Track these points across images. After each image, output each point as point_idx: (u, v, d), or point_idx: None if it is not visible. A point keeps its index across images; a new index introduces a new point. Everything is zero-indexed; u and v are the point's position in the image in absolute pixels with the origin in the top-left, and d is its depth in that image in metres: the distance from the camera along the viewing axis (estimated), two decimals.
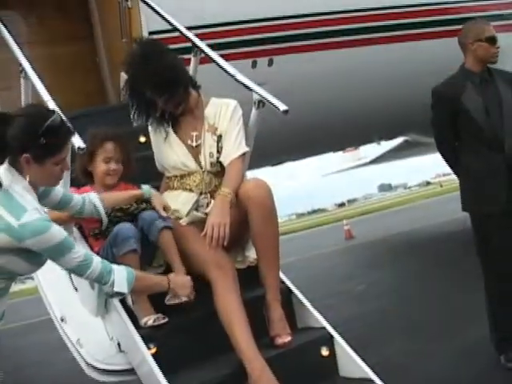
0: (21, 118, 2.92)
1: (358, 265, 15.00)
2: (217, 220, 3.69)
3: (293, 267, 14.98)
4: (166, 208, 3.89)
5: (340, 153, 20.52)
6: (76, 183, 4.03)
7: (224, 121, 4.09)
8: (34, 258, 2.96)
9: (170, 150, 4.13)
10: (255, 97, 4.22)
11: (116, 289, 3.14)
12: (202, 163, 4.07)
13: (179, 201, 4.04)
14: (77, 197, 3.61)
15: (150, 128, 4.27)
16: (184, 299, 3.61)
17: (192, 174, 4.07)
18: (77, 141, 3.45)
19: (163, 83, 3.94)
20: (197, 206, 4.02)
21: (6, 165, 2.90)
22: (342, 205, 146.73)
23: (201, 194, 4.04)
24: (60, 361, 5.31)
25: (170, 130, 4.17)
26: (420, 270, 10.86)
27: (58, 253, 2.94)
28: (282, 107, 4.13)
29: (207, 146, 4.07)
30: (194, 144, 4.10)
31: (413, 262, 12.58)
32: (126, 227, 3.72)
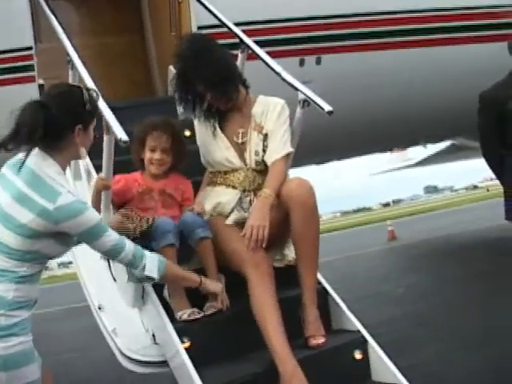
0: (60, 96, 3.04)
1: (399, 267, 14.92)
2: (256, 222, 3.67)
3: (332, 266, 14.98)
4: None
5: (387, 153, 20.36)
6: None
7: (271, 120, 4.07)
8: (68, 240, 3.03)
9: (215, 145, 4.13)
10: (300, 96, 4.21)
11: (147, 273, 3.24)
12: (247, 161, 4.06)
13: (222, 197, 4.04)
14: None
15: (195, 122, 4.28)
16: (220, 307, 3.68)
17: (236, 171, 4.07)
18: (119, 133, 3.46)
19: (217, 79, 3.95)
20: (240, 204, 4.02)
21: (36, 151, 2.95)
22: (387, 205, 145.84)
23: (244, 191, 4.03)
24: (98, 347, 5.38)
25: (217, 124, 4.17)
26: (461, 275, 10.72)
27: (92, 235, 3.01)
28: (327, 108, 4.11)
29: (253, 144, 4.07)
30: (240, 141, 4.10)
31: (455, 266, 12.42)
32: (165, 221, 3.74)
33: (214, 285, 3.69)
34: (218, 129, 4.15)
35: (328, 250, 18.27)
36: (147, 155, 4.01)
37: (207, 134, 4.17)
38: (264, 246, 3.67)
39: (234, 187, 4.05)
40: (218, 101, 4.08)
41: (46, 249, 2.95)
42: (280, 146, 4.00)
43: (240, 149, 4.09)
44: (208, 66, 3.94)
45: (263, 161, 4.05)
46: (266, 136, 4.05)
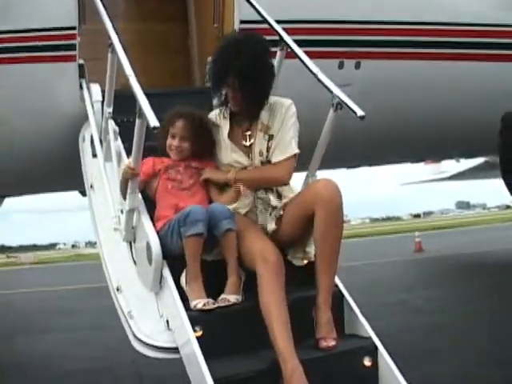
0: None
1: (422, 278, 14.85)
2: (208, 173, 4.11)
3: (356, 271, 14.98)
4: None
5: (421, 164, 20.25)
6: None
7: (277, 122, 4.10)
8: None
9: (224, 148, 4.19)
10: (334, 99, 4.20)
11: None
12: (253, 161, 4.12)
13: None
14: None
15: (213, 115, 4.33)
16: (233, 301, 3.68)
17: (245, 168, 4.13)
18: (151, 118, 3.50)
19: (250, 89, 3.99)
20: (255, 204, 4.07)
21: None
22: (417, 216, 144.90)
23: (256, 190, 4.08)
24: (114, 328, 5.44)
25: (226, 132, 4.20)
26: (484, 292, 10.65)
27: None
28: (360, 112, 4.10)
29: (257, 145, 4.11)
30: (248, 143, 4.15)
31: (478, 283, 12.35)
32: (198, 209, 3.77)
33: None
34: (225, 136, 4.19)
35: (353, 255, 18.35)
36: (167, 142, 4.14)
37: (219, 136, 4.23)
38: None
39: None
40: (235, 100, 4.10)
41: None
42: (284, 147, 4.05)
43: (247, 150, 4.15)
44: (250, 64, 3.95)
45: (268, 160, 4.09)
46: (271, 136, 4.08)
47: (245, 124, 4.20)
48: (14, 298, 18.74)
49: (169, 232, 3.82)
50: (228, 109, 4.22)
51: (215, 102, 4.62)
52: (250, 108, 4.13)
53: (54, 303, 15.99)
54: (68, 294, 17.85)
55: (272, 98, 4.19)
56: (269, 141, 4.08)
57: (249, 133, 4.16)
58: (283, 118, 4.10)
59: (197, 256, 3.74)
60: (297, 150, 4.08)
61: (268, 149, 4.08)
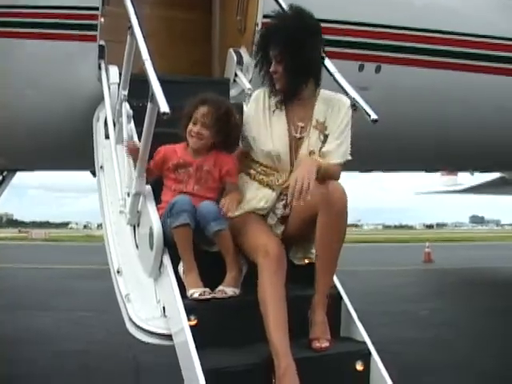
0: None
1: (428, 289, 14.77)
2: (301, 174, 3.54)
3: (361, 277, 14.91)
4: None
5: (437, 174, 20.17)
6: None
7: (335, 122, 3.97)
8: None
9: (268, 134, 4.01)
10: (350, 100, 4.17)
11: None
12: (299, 157, 3.92)
13: (258, 196, 3.98)
14: None
15: (250, 105, 4.20)
16: (230, 294, 3.68)
17: (277, 173, 3.97)
18: (162, 104, 3.49)
19: (294, 63, 3.90)
20: (274, 210, 3.98)
21: None
22: (430, 226, 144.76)
23: (281, 193, 3.95)
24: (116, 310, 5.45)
25: (284, 109, 4.05)
26: (488, 309, 10.60)
27: None
28: (373, 116, 4.07)
29: (311, 143, 3.94)
30: (298, 136, 3.99)
31: (484, 299, 12.30)
32: (182, 200, 3.75)
33: None
34: (282, 114, 4.03)
35: (361, 261, 18.36)
36: (189, 127, 4.01)
37: (263, 121, 4.05)
38: (308, 198, 3.50)
39: (271, 188, 3.98)
40: (276, 74, 3.98)
41: None
42: (340, 152, 3.92)
43: (295, 144, 3.98)
44: (291, 37, 3.88)
45: None
46: (326, 137, 3.94)
47: (298, 113, 4.02)
48: (21, 272, 18.87)
49: (163, 223, 3.81)
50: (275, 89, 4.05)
51: (233, 92, 4.60)
52: (291, 85, 3.98)
53: (59, 281, 16.08)
54: (74, 274, 17.94)
55: (327, 93, 4.07)
56: (324, 142, 3.93)
57: (301, 124, 3.99)
58: (342, 119, 3.97)
59: (187, 246, 3.73)
60: (349, 157, 3.98)
61: (322, 149, 3.91)
